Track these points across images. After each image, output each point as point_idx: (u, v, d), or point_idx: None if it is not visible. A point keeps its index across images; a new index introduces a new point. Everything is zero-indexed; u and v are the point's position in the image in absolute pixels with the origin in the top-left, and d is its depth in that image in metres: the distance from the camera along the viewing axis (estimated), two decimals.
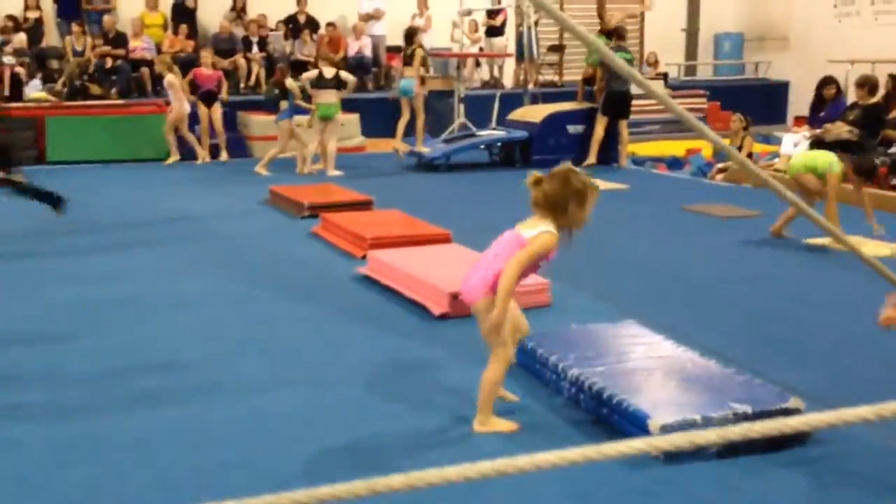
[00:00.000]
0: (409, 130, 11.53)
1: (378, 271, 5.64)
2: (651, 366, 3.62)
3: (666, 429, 3.03)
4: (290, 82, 10.66)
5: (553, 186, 3.25)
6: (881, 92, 10.32)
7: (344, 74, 10.69)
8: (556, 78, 16.27)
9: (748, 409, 3.14)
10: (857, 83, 10.27)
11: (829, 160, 6.66)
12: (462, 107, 12.79)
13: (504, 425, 3.41)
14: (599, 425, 3.38)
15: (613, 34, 11.45)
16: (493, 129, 12.06)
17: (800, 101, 14.69)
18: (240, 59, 14.05)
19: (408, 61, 11.25)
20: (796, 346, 4.41)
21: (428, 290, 5.06)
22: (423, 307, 5.01)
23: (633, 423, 3.15)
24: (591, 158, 10.91)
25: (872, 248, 6.20)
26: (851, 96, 10.54)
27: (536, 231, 3.25)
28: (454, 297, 4.83)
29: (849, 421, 1.54)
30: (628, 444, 1.46)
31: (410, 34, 11.80)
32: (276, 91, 11.05)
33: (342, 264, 6.18)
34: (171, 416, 3.65)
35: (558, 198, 3.24)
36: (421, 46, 11.56)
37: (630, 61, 11.30)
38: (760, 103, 15.21)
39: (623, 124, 11.07)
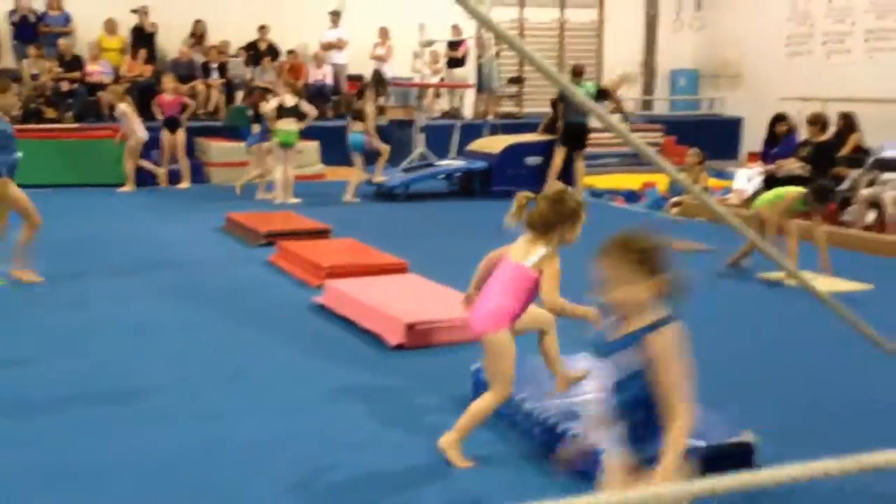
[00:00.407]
0: (371, 162, 11.53)
1: (334, 301, 5.61)
2: None
3: None
4: (266, 106, 10.64)
5: (548, 207, 3.36)
6: (832, 129, 10.55)
7: (306, 107, 10.67)
8: (516, 109, 16.42)
9: (701, 443, 3.15)
10: (808, 121, 10.48)
11: (794, 193, 6.78)
12: (422, 136, 12.84)
13: (461, 462, 3.38)
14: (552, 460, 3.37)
15: (573, 72, 11.69)
16: (453, 158, 12.12)
17: (753, 137, 14.96)
18: (199, 85, 13.98)
19: (358, 116, 11.15)
20: (750, 380, 4.45)
21: (384, 321, 5.04)
22: (380, 337, 4.98)
23: (591, 460, 3.13)
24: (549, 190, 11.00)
25: (827, 283, 6.29)
26: (803, 133, 10.75)
27: (537, 257, 3.34)
28: (410, 327, 4.82)
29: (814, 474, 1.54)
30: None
31: (362, 90, 11.84)
32: (251, 113, 11.01)
33: (298, 293, 6.13)
34: (126, 444, 3.58)
35: (553, 218, 3.34)
36: (372, 100, 11.53)
37: (601, 92, 11.45)
38: (714, 138, 15.45)
39: (579, 156, 11.19)
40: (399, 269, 6.42)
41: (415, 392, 4.20)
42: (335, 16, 15.17)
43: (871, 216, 9.04)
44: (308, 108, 10.68)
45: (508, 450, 3.55)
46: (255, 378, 4.46)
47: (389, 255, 6.71)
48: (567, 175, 11.15)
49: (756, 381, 4.45)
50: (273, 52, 14.94)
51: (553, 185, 10.67)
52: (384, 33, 15.37)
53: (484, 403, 3.40)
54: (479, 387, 3.96)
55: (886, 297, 6.18)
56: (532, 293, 3.38)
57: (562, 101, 11.18)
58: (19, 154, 6.37)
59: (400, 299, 5.31)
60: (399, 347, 4.84)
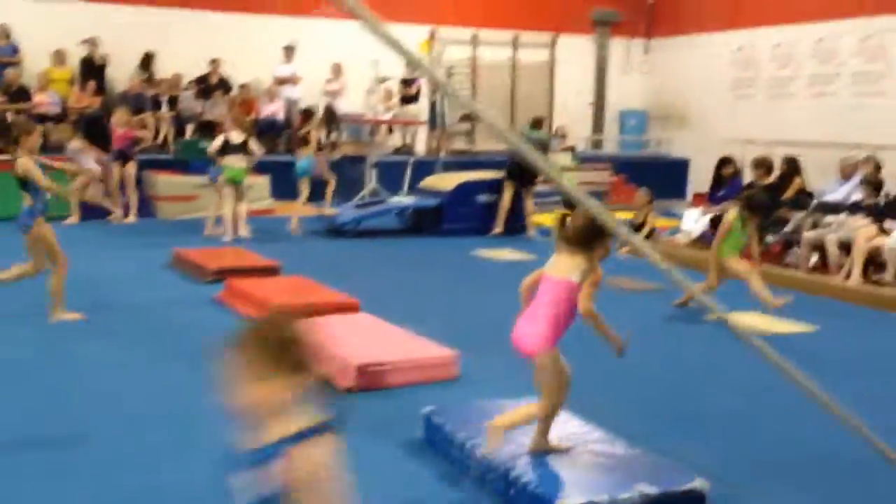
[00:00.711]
0: (319, 195, 11.49)
1: None
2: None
3: None
4: (211, 145, 10.54)
5: (585, 223, 3.46)
6: (776, 173, 10.77)
7: (253, 145, 10.59)
8: (469, 146, 16.51)
9: (653, 490, 3.15)
10: (753, 164, 10.70)
11: (730, 216, 6.89)
12: (374, 172, 12.83)
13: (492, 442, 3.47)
14: None
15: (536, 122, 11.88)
16: (405, 195, 12.11)
17: (699, 178, 15.23)
18: (148, 118, 13.82)
19: (304, 142, 11.21)
20: (701, 424, 4.46)
21: (335, 362, 4.96)
22: (329, 379, 4.90)
23: None
24: (499, 227, 11.05)
25: (773, 325, 6.38)
26: (748, 176, 10.96)
27: (580, 270, 3.47)
28: (361, 369, 4.76)
29: None
30: None
31: (308, 114, 11.85)
32: (222, 144, 10.87)
33: None
34: (58, 494, 3.45)
35: (590, 233, 3.46)
36: (317, 126, 11.55)
37: (541, 139, 11.54)
38: (662, 178, 15.68)
39: (528, 193, 11.26)
40: (350, 308, 6.35)
41: (364, 438, 4.12)
42: (288, 51, 15.16)
43: (814, 258, 9.21)
44: (255, 147, 10.62)
45: (463, 498, 3.50)
46: (198, 422, 4.32)
47: (340, 294, 6.65)
48: (517, 212, 11.21)
49: (711, 425, 4.47)
50: (225, 85, 14.86)
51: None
52: (337, 69, 15.40)
53: (531, 410, 3.55)
54: (431, 430, 3.92)
55: (830, 339, 6.28)
56: (577, 306, 3.50)
57: None
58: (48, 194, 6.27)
59: (350, 340, 5.24)
60: (349, 390, 4.77)
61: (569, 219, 3.54)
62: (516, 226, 11.22)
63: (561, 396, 3.53)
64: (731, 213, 6.91)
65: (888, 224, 8.55)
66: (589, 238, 3.47)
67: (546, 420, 3.54)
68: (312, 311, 6.07)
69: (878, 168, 10.06)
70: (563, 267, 3.51)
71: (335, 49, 15.43)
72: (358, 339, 5.29)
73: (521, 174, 11.10)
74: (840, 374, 5.45)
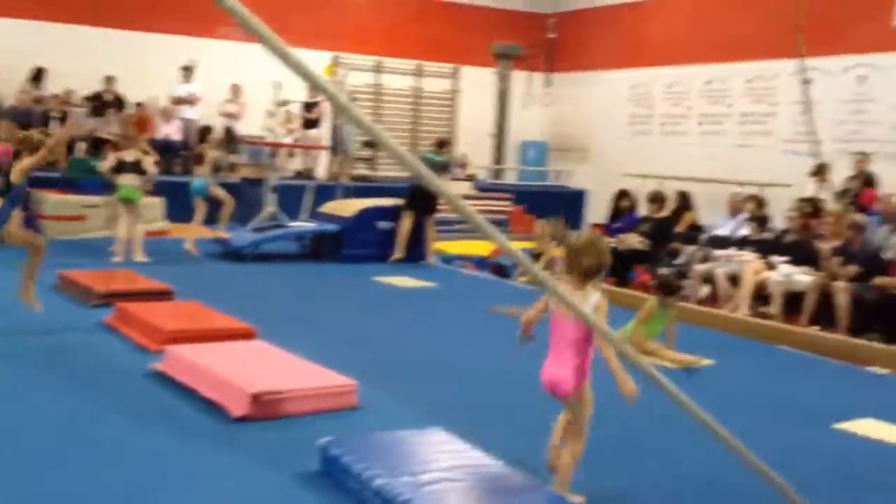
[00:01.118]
0: (214, 218, 11.25)
1: (175, 367, 5.33)
2: (457, 476, 3.56)
3: None
4: (103, 164, 10.21)
5: (592, 259, 3.66)
6: (670, 207, 11.09)
7: (146, 164, 10.30)
8: (370, 172, 16.47)
9: None
10: (648, 198, 11.00)
11: (648, 305, 6.76)
12: (273, 196, 12.64)
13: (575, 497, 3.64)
14: None
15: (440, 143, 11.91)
16: (305, 220, 11.96)
17: (595, 209, 15.57)
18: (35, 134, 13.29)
19: (199, 160, 11.03)
20: (598, 454, 4.48)
21: (227, 390, 4.82)
22: (222, 408, 4.76)
23: None
24: (398, 253, 11.02)
25: (674, 359, 6.48)
26: (644, 209, 11.24)
27: (591, 305, 3.60)
28: (255, 398, 4.63)
29: None
30: None
31: (204, 133, 11.65)
32: (117, 163, 10.47)
33: (136, 359, 5.80)
34: None
35: (596, 264, 3.67)
36: (213, 146, 11.36)
37: (441, 163, 11.56)
38: (560, 209, 15.95)
39: (430, 221, 11.28)
40: (245, 335, 6.20)
41: (258, 469, 4.01)
42: (187, 70, 14.87)
43: (705, 291, 9.49)
44: (149, 166, 10.34)
45: None
46: (81, 455, 4.12)
47: (235, 320, 6.49)
48: (417, 240, 11.20)
49: (605, 455, 4.50)
50: (119, 103, 14.46)
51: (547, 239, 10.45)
52: (236, 90, 15.19)
53: (573, 455, 3.69)
54: (327, 462, 3.84)
55: (726, 372, 6.44)
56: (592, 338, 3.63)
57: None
58: None
59: (245, 367, 5.11)
60: (243, 419, 4.64)
61: (576, 255, 3.67)
62: (416, 253, 11.21)
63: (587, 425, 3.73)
64: (651, 301, 6.76)
65: (773, 258, 8.89)
66: (594, 271, 3.66)
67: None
68: (206, 337, 5.92)
69: (761, 205, 10.46)
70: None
71: (235, 70, 15.23)
72: (253, 366, 5.16)
73: (422, 202, 11.12)
74: (732, 407, 5.60)
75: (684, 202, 11.27)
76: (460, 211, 2.09)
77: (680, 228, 10.92)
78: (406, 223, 11.11)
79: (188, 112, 14.95)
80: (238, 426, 4.59)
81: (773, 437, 5.00)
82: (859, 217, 8.60)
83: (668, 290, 6.79)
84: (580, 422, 3.70)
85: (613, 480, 4.11)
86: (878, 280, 7.72)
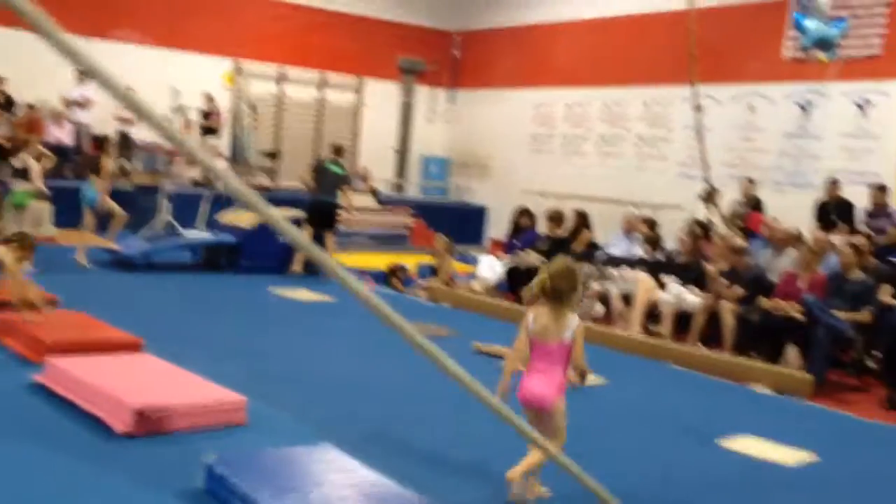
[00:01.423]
0: (105, 225, 10.90)
1: (57, 381, 5.12)
2: (346, 496, 3.52)
3: None
4: (110, 164, 9.82)
5: (569, 284, 3.92)
6: (569, 225, 11.28)
7: (33, 174, 9.93)
8: (271, 183, 16.24)
9: None
10: (547, 217, 11.16)
11: None
12: (168, 204, 12.33)
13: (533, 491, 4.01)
14: None
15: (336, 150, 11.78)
16: (201, 230, 11.71)
17: (495, 225, 15.73)
18: None
19: (95, 170, 10.65)
20: (484, 470, 4.51)
21: (111, 405, 4.66)
22: (105, 423, 4.59)
23: None
24: (296, 266, 10.88)
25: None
26: (543, 227, 11.40)
27: (571, 329, 3.92)
28: (139, 413, 4.49)
29: None
30: None
31: (102, 142, 11.31)
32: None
33: (15, 371, 5.55)
34: None
35: (575, 289, 3.96)
36: (110, 157, 11.04)
37: (341, 175, 11.49)
38: (461, 224, 16.07)
39: (329, 235, 11.19)
40: (132, 347, 6.01)
41: (140, 487, 3.88)
42: (81, 73, 14.40)
43: (599, 309, 9.67)
44: (36, 176, 9.98)
45: None
46: None
47: (122, 332, 6.28)
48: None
49: (493, 469, 4.52)
50: (9, 104, 13.89)
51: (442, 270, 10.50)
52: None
53: (542, 454, 3.74)
54: (213, 480, 3.74)
55: (619, 389, 6.57)
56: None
57: (315, 176, 11.18)
58: None
59: (130, 381, 4.94)
60: (126, 435, 4.48)
61: (552, 280, 3.88)
62: (315, 267, 11.08)
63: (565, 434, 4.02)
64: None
65: (665, 279, 9.13)
66: (574, 295, 3.93)
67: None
68: (90, 348, 5.70)
69: (653, 227, 10.74)
70: (556, 327, 3.91)
71: (131, 74, 14.80)
72: (138, 380, 5.00)
73: (321, 215, 11.02)
74: (622, 422, 5.71)
75: (582, 221, 11.46)
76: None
77: (578, 247, 11.10)
78: (304, 236, 10.98)
79: (81, 116, 14.47)
80: (121, 442, 4.43)
81: (659, 452, 5.12)
82: (741, 241, 8.91)
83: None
84: (557, 430, 3.95)
85: (482, 490, 4.13)
86: (762, 301, 8.00)
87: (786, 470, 4.96)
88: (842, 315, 7.63)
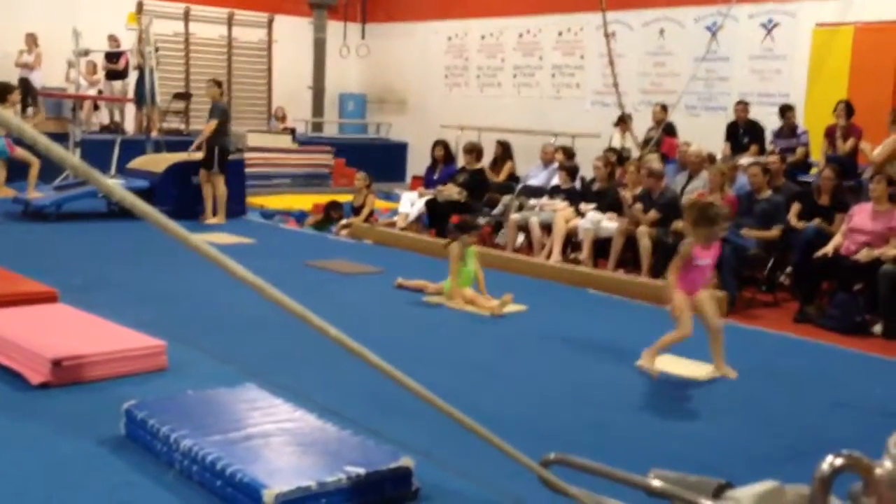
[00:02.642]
0: (20, 175, 10.54)
1: None
2: (269, 432, 3.53)
3: (280, 498, 2.96)
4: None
5: (687, 217, 5.51)
6: (488, 157, 11.32)
7: None
8: (182, 126, 15.85)
9: (361, 471, 3.18)
10: (464, 149, 11.18)
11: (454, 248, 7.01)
12: (77, 152, 11.96)
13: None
14: (214, 500, 3.22)
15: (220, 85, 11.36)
16: (112, 176, 11.40)
17: (417, 162, 15.68)
18: None
19: None
20: (411, 404, 4.56)
21: (26, 356, 4.57)
22: (21, 376, 4.51)
23: (248, 495, 3.04)
24: (209, 215, 10.64)
25: (487, 307, 6.68)
26: (461, 160, 11.42)
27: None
28: (56, 363, 4.41)
29: None
30: None
31: (5, 90, 10.82)
32: None
33: None
34: None
35: (690, 222, 5.34)
36: (14, 104, 10.58)
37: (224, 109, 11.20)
38: (382, 162, 15.98)
39: (217, 178, 10.83)
40: (47, 299, 5.86)
41: (61, 436, 3.83)
42: None
43: (520, 239, 9.79)
44: None
45: (167, 494, 3.33)
46: None
47: (36, 283, 6.12)
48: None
49: (407, 401, 4.58)
50: None
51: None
52: (32, 39, 14.19)
53: (670, 337, 5.29)
54: (133, 424, 3.71)
55: (538, 316, 6.69)
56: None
57: (219, 122, 10.79)
58: None
59: (45, 332, 4.84)
60: (44, 386, 4.41)
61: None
62: (231, 209, 10.90)
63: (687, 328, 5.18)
64: (452, 246, 6.89)
65: (583, 206, 9.26)
66: (692, 226, 5.32)
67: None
68: (4, 302, 5.56)
69: (570, 156, 10.85)
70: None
71: (29, 18, 14.24)
72: (54, 331, 4.90)
73: (225, 160, 10.74)
74: (543, 348, 5.84)
75: (505, 152, 11.52)
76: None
77: (501, 178, 11.17)
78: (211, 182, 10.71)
79: None
80: (39, 393, 4.36)
81: (576, 373, 5.26)
82: (657, 165, 9.07)
83: (462, 228, 7.09)
84: (676, 318, 5.28)
85: (427, 432, 4.20)
86: (676, 224, 8.19)
87: (698, 385, 5.15)
88: (752, 233, 7.87)
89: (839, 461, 1.26)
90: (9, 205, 10.35)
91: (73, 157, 2.01)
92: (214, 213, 10.74)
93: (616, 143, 11.80)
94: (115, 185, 2.14)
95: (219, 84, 11.18)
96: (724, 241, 7.65)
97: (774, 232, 7.90)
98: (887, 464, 1.25)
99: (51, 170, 11.15)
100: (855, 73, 10.97)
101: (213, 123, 10.58)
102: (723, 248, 7.60)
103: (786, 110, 10.71)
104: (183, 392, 4.07)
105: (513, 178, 11.27)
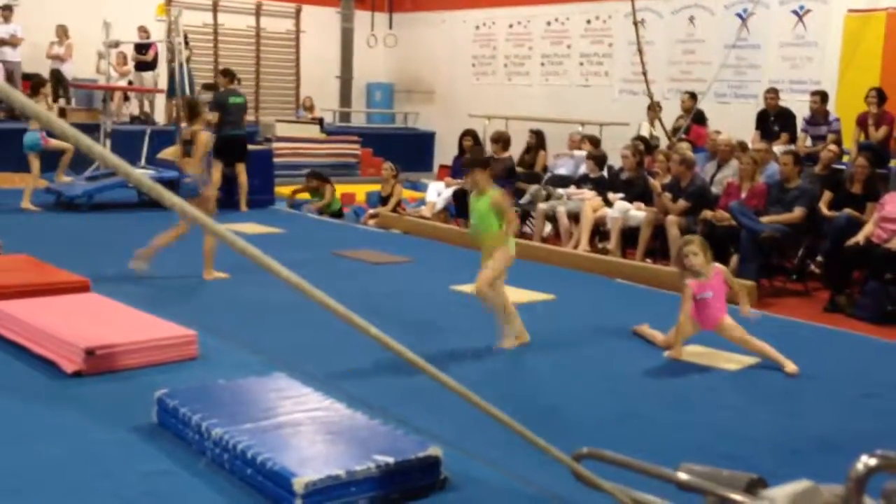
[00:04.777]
0: (51, 166, 10.66)
1: (4, 325, 5.08)
2: (298, 421, 3.57)
3: (310, 486, 2.99)
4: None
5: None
6: (518, 147, 11.28)
7: None
8: (212, 116, 15.91)
9: (390, 460, 3.20)
10: (491, 139, 11.15)
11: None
12: (108, 142, 12.08)
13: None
14: (245, 488, 3.26)
15: (227, 74, 11.41)
16: (143, 167, 11.50)
17: (444, 151, 15.68)
18: None
19: None
20: (438, 393, 4.58)
21: (60, 346, 4.64)
22: (56, 364, 4.58)
23: (278, 483, 3.07)
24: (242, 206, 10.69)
25: (516, 295, 6.67)
26: (489, 150, 11.39)
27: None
28: (89, 352, 4.48)
29: None
30: None
31: (38, 84, 10.92)
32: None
33: None
34: None
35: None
36: (46, 96, 10.68)
37: (242, 105, 11.23)
38: (409, 151, 16.00)
39: (241, 169, 10.92)
40: (80, 288, 5.95)
41: (93, 424, 3.89)
42: (6, 10, 13.90)
43: (548, 228, 9.77)
44: None
45: (199, 483, 3.38)
46: None
47: (69, 273, 6.20)
48: (232, 188, 10.83)
49: (434, 390, 4.60)
50: None
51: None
52: (62, 31, 14.33)
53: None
54: (165, 413, 3.76)
55: (567, 306, 6.67)
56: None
57: (219, 113, 10.82)
58: None
59: (79, 321, 4.92)
60: (77, 375, 4.47)
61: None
62: (232, 201, 10.87)
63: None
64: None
65: (611, 196, 9.22)
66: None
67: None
68: (37, 291, 5.64)
69: (597, 144, 10.80)
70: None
71: (60, 10, 14.38)
72: (87, 320, 4.97)
73: (231, 150, 10.78)
74: (578, 338, 5.83)
75: (539, 141, 11.49)
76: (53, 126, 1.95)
77: (537, 168, 11.16)
78: (217, 174, 10.70)
79: (10, 54, 14.00)
80: (72, 382, 4.43)
81: (607, 363, 5.25)
82: (687, 154, 9.00)
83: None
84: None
85: (454, 422, 4.21)
86: (705, 213, 8.14)
87: (728, 374, 5.12)
88: (775, 218, 7.78)
89: (873, 461, 1.25)
90: (42, 195, 10.48)
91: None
92: (241, 204, 10.81)
93: (645, 132, 11.72)
94: (141, 175, 2.16)
95: (226, 73, 11.25)
96: (740, 227, 7.61)
97: (797, 213, 7.77)
98: None
99: (84, 160, 11.27)
100: (888, 60, 10.81)
101: (212, 115, 10.70)
102: (739, 235, 7.59)
103: (818, 96, 10.55)
104: (214, 381, 4.11)
105: (544, 168, 11.25)
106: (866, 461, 1.26)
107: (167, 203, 2.10)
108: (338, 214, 11.15)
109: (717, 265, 5.41)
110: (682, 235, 8.17)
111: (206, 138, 7.00)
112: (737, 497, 1.65)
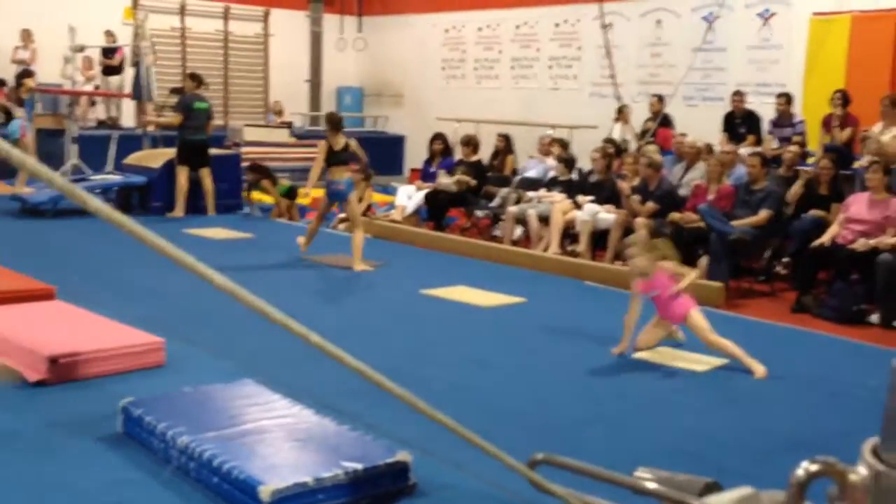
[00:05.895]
0: (11, 172, 10.53)
1: None
2: (266, 428, 3.54)
3: (277, 494, 2.97)
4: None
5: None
6: (486, 150, 11.30)
7: None
8: (173, 117, 15.77)
9: (359, 466, 3.18)
10: (461, 142, 11.16)
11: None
12: (75, 147, 11.97)
13: None
14: (211, 497, 3.23)
15: (195, 79, 11.32)
16: (110, 172, 11.40)
17: (414, 155, 15.65)
18: None
19: (21, 102, 10.25)
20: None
21: (23, 354, 4.57)
22: (18, 373, 4.51)
23: (245, 492, 3.05)
24: (178, 211, 10.57)
25: (485, 298, 6.68)
26: (459, 153, 11.41)
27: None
28: (53, 361, 4.41)
29: None
30: None
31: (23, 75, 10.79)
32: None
33: None
34: None
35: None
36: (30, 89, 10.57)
37: (207, 110, 11.13)
38: (379, 155, 15.89)
39: (205, 173, 10.85)
40: (45, 296, 5.86)
41: (59, 433, 3.84)
42: None
43: (518, 231, 9.79)
44: None
45: (164, 491, 3.34)
46: None
47: (33, 280, 6.12)
48: (197, 194, 10.76)
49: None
50: None
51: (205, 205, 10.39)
52: (27, 35, 14.16)
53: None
54: (131, 422, 3.72)
55: (538, 309, 6.68)
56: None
57: (183, 116, 10.73)
58: None
59: (42, 329, 4.85)
60: (41, 383, 4.41)
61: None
62: (198, 206, 10.79)
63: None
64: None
65: (580, 198, 9.25)
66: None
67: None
68: (0, 299, 5.55)
69: (566, 147, 10.84)
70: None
71: (24, 14, 14.21)
72: (51, 328, 4.90)
73: (194, 155, 10.70)
74: (547, 341, 5.84)
75: (507, 145, 11.51)
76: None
77: (507, 171, 11.18)
78: (182, 179, 10.63)
79: None
80: (36, 391, 4.37)
81: (577, 365, 5.26)
82: (654, 157, 9.06)
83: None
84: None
85: (423, 427, 4.19)
86: (672, 215, 8.20)
87: (696, 375, 5.15)
88: (741, 221, 7.85)
89: (814, 467, 1.26)
90: (6, 202, 10.34)
91: (16, 152, 1.85)
92: (208, 208, 10.74)
93: (616, 135, 11.78)
94: (61, 179, 1.99)
95: (193, 77, 11.18)
96: (709, 230, 7.68)
97: (762, 215, 7.85)
98: (862, 469, 1.25)
99: (49, 165, 11.12)
100: (852, 63, 10.96)
101: (175, 117, 10.64)
102: (707, 237, 7.66)
103: (783, 99, 10.66)
104: (180, 389, 4.07)
105: (510, 170, 11.27)
106: (807, 467, 1.27)
107: (90, 208, 1.98)
108: (289, 194, 11.01)
109: (661, 263, 5.41)
110: (651, 238, 8.24)
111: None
112: (690, 502, 1.66)
